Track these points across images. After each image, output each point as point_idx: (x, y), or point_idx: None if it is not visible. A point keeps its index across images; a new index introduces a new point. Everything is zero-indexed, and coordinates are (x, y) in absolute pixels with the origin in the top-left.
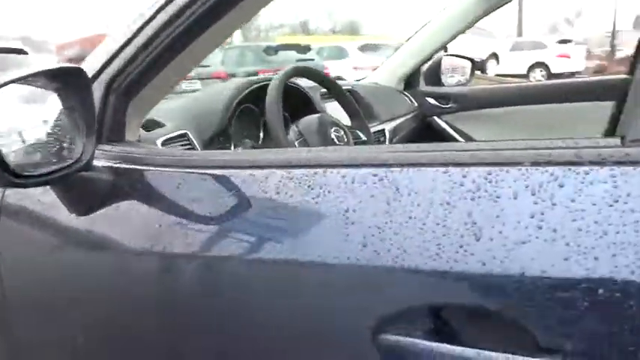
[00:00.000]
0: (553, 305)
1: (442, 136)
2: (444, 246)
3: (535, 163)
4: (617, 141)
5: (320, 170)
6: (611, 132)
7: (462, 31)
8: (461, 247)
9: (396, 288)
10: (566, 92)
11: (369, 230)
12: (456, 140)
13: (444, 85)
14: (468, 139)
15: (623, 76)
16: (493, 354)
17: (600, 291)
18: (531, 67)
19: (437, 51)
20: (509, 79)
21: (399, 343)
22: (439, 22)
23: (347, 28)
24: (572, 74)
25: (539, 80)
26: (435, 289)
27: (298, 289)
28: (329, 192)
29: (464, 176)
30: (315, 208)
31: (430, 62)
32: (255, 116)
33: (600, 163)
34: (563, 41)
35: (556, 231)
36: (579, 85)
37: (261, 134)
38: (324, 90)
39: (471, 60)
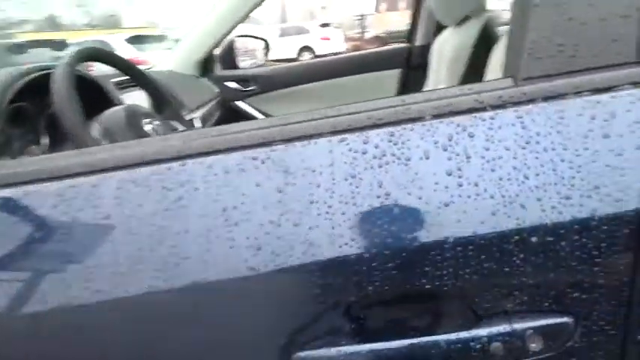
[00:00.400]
0: (490, 266)
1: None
2: (358, 228)
3: (437, 116)
4: (508, 81)
5: (175, 164)
6: (403, 94)
7: (250, 12)
8: (379, 224)
9: (307, 292)
10: (357, 64)
11: (262, 228)
12: None
13: (239, 68)
14: None
15: (403, 45)
16: (431, 338)
17: (533, 239)
18: (300, 51)
19: (227, 33)
20: (284, 64)
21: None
22: (226, 5)
23: (106, 21)
24: (333, 54)
25: None
26: (356, 282)
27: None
28: (195, 189)
29: (364, 142)
30: (180, 210)
31: (223, 45)
32: (28, 117)
33: (501, 106)
34: (324, 25)
35: (478, 185)
36: (367, 56)
37: (46, 138)
38: (118, 80)
39: (264, 40)
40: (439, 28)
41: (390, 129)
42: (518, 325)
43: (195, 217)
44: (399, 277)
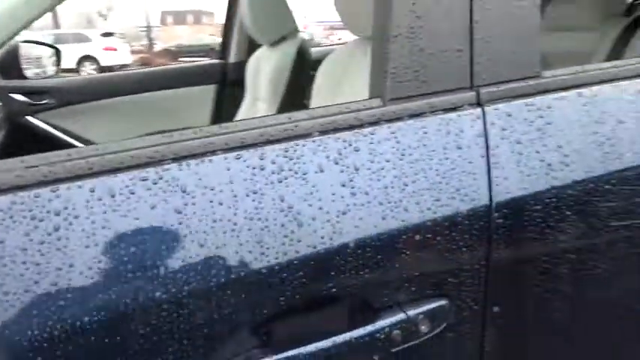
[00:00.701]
0: (384, 264)
1: (44, 139)
2: (265, 242)
3: (324, 132)
4: (377, 101)
5: (44, 191)
6: (218, 109)
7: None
8: (285, 236)
9: (219, 311)
10: (168, 78)
11: (149, 257)
12: (63, 141)
13: (27, 78)
14: (79, 137)
15: (216, 60)
16: (342, 337)
17: (417, 237)
18: (80, 61)
19: (9, 39)
20: (85, 75)
21: None
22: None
23: None
24: (122, 67)
25: (91, 73)
26: (269, 296)
27: None
28: (75, 217)
29: (261, 158)
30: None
31: (3, 52)
32: None
33: (376, 123)
34: (106, 34)
35: (368, 193)
36: (179, 71)
37: None
38: None
39: (55, 48)
40: (253, 45)
41: (284, 145)
42: (411, 312)
43: (80, 249)
44: (309, 285)
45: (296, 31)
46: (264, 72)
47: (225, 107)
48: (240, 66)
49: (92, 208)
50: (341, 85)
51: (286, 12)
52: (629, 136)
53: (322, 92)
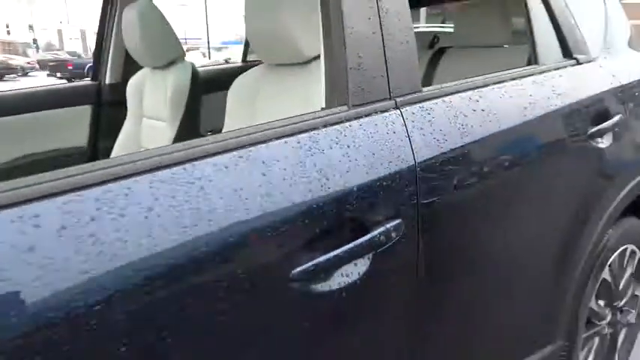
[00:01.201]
0: (374, 200)
1: None
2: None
3: (313, 129)
4: (345, 107)
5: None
6: (96, 129)
7: None
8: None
9: None
10: (41, 100)
11: None
12: None
13: None
14: None
15: (91, 82)
16: None
17: (385, 183)
18: None
19: None
20: None
21: None
22: None
23: None
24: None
25: None
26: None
27: None
28: (209, 180)
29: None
30: None
31: None
32: None
33: (349, 120)
34: None
35: (357, 160)
36: (52, 92)
37: None
38: None
39: None
40: (129, 68)
41: (296, 137)
42: (387, 225)
43: None
44: (335, 215)
45: (184, 54)
46: (157, 92)
47: (104, 126)
48: (117, 87)
49: (217, 173)
50: (255, 105)
51: (175, 38)
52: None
53: (237, 112)
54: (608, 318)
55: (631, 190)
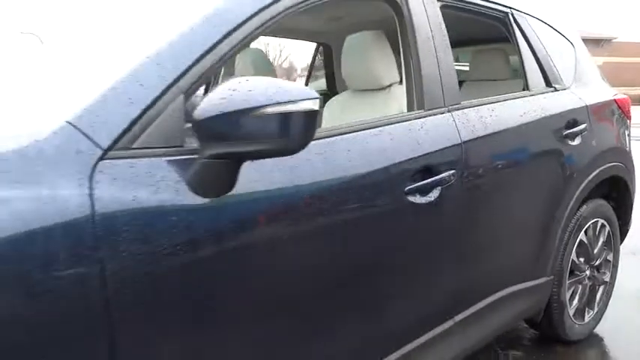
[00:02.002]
0: (408, 167)
1: None
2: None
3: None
4: (422, 111)
5: (331, 139)
6: None
7: None
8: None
9: None
10: None
11: None
12: None
13: None
14: None
15: None
16: None
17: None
18: None
19: None
20: None
21: None
22: None
23: None
24: None
25: None
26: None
27: None
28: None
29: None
30: None
31: None
32: None
33: (426, 117)
34: None
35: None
36: None
37: None
38: None
39: None
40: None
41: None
42: (430, 180)
43: None
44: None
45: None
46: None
47: None
48: None
49: (373, 138)
50: (342, 118)
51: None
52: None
53: (332, 121)
54: (587, 272)
55: (596, 176)
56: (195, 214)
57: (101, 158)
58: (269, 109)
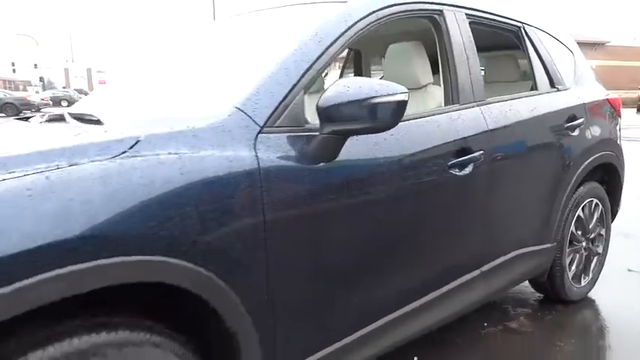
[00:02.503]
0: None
1: None
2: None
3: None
4: (457, 105)
5: (406, 123)
6: None
7: None
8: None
9: None
10: None
11: None
12: None
13: None
14: None
15: None
16: None
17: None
18: None
19: None
20: None
21: None
22: None
23: None
24: None
25: None
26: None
27: None
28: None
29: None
30: None
31: None
32: None
33: (459, 110)
34: None
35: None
36: None
37: None
38: None
39: None
40: None
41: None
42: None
43: None
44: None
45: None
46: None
47: None
48: None
49: (425, 124)
50: None
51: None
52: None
53: None
54: (584, 244)
55: (590, 162)
56: (315, 173)
57: (259, 132)
58: (375, 100)
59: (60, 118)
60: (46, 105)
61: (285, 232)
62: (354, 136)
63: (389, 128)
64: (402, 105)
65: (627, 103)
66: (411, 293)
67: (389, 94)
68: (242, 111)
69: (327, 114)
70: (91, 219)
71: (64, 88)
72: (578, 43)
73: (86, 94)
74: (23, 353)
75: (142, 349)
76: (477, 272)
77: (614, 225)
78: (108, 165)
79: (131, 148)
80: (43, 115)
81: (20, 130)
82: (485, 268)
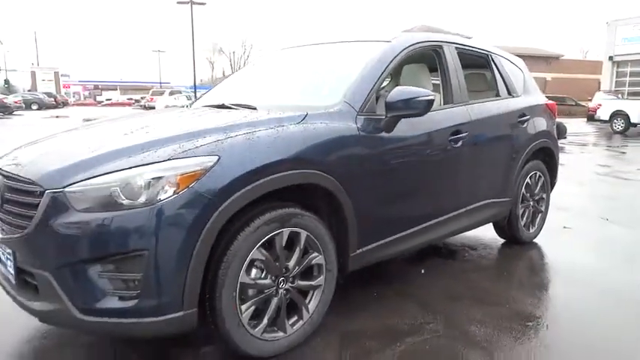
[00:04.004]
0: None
1: None
2: None
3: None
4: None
5: (438, 112)
6: None
7: None
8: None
9: None
10: None
11: None
12: None
13: None
14: None
15: None
16: None
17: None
18: None
19: None
20: None
21: None
22: None
23: None
24: None
25: None
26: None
27: None
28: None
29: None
30: None
31: None
32: None
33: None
34: None
35: None
36: None
37: None
38: None
39: None
40: None
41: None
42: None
43: None
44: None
45: None
46: None
47: None
48: None
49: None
50: None
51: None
52: None
53: None
54: (531, 202)
55: (534, 145)
56: (382, 138)
57: (357, 115)
58: (417, 98)
59: (222, 106)
60: (19, 107)
61: (368, 168)
62: (403, 119)
63: (423, 115)
64: (431, 102)
65: (577, 114)
66: (428, 215)
67: (424, 95)
68: (348, 103)
69: (390, 105)
70: (295, 150)
71: (29, 91)
72: (533, 56)
73: (55, 97)
74: (246, 224)
75: (304, 218)
76: (463, 210)
77: (554, 202)
78: (298, 126)
79: (303, 119)
80: (190, 105)
81: (199, 114)
82: (470, 207)
